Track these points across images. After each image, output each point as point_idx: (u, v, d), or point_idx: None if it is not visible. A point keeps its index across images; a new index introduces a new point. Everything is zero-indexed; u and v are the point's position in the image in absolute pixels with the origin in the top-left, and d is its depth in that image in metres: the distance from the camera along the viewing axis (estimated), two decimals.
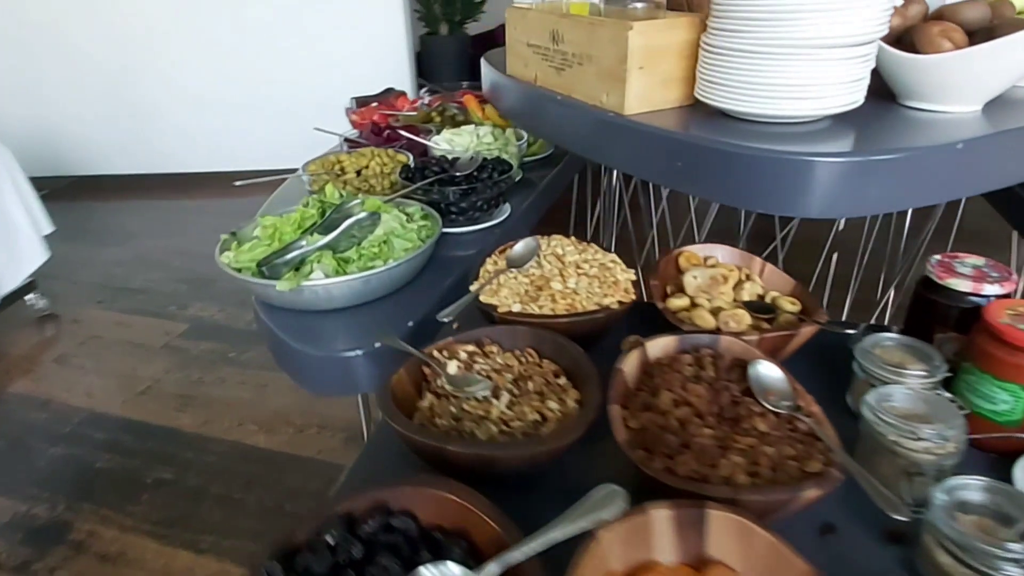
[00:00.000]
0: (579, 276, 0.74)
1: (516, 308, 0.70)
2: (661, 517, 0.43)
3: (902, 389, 0.57)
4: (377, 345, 0.79)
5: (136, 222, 3.61)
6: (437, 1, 3.83)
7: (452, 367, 0.64)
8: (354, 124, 1.71)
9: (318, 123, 4.14)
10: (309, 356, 0.85)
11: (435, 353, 0.66)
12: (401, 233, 0.94)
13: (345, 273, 0.87)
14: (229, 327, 2.53)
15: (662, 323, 0.71)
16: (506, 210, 1.15)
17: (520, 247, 0.80)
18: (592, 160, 0.85)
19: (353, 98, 1.77)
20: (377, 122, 1.51)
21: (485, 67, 1.26)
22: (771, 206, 0.70)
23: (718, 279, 0.74)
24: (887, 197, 0.67)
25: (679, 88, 0.82)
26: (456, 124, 1.56)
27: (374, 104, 1.74)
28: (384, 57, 3.75)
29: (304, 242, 0.89)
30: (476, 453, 0.53)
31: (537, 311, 0.70)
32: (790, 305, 0.72)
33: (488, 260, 0.82)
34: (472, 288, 0.75)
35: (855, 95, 0.70)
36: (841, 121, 0.74)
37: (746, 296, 0.74)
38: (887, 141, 0.71)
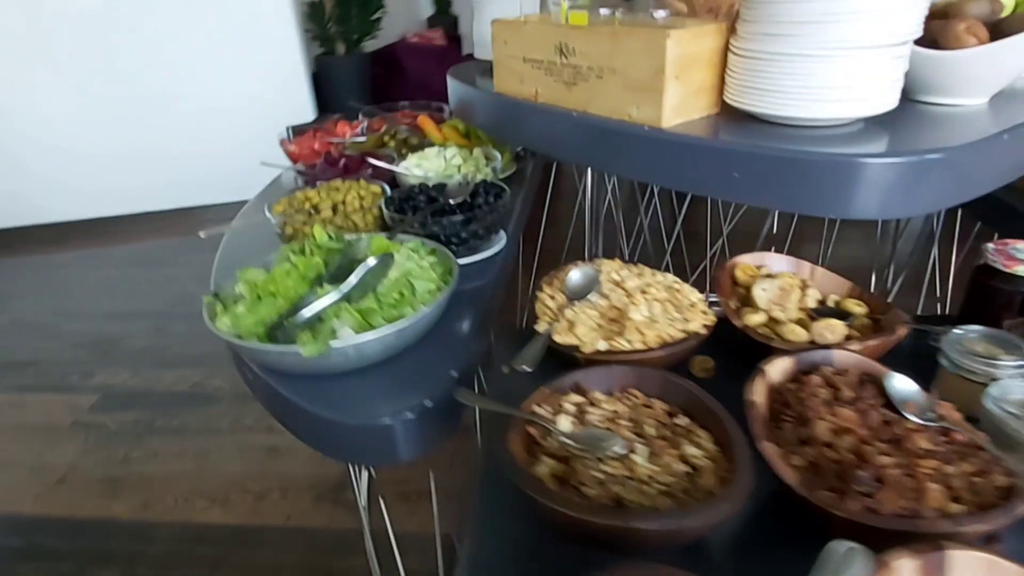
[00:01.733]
0: (650, 302, 0.70)
1: (602, 346, 0.64)
2: (907, 568, 0.39)
3: (1019, 382, 0.57)
4: (461, 397, 0.69)
5: (5, 283, 3.17)
6: (331, 20, 3.68)
7: (565, 423, 0.57)
8: (292, 156, 1.57)
9: (211, 157, 3.89)
10: (343, 426, 0.74)
11: (537, 409, 0.58)
12: (419, 273, 0.85)
13: (371, 326, 0.77)
14: (149, 392, 2.26)
15: (739, 342, 0.68)
16: (503, 236, 1.08)
17: (578, 277, 0.74)
18: (626, 177, 0.81)
19: (289, 127, 1.62)
20: (329, 152, 1.39)
21: (457, 85, 1.19)
22: (832, 210, 0.69)
23: (787, 289, 0.72)
24: (942, 193, 0.68)
25: (708, 96, 0.80)
26: (412, 147, 1.47)
27: (312, 132, 1.61)
28: (280, 80, 3.55)
29: (315, 297, 0.78)
30: (671, 528, 0.45)
31: (627, 346, 0.64)
32: (857, 307, 0.71)
33: (543, 294, 0.75)
34: (540, 328, 0.68)
35: (894, 95, 0.71)
36: (871, 122, 0.75)
37: (811, 303, 0.73)
38: (932, 138, 0.72)
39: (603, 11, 0.84)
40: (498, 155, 1.27)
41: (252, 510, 1.73)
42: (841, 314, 0.71)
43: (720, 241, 2.15)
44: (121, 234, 3.64)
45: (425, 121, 1.46)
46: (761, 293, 0.72)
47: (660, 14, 0.77)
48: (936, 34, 0.73)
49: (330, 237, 0.94)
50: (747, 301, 0.73)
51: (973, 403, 0.61)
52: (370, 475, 1.05)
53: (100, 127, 3.46)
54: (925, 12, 0.68)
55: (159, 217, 3.77)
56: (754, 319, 0.69)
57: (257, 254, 1.14)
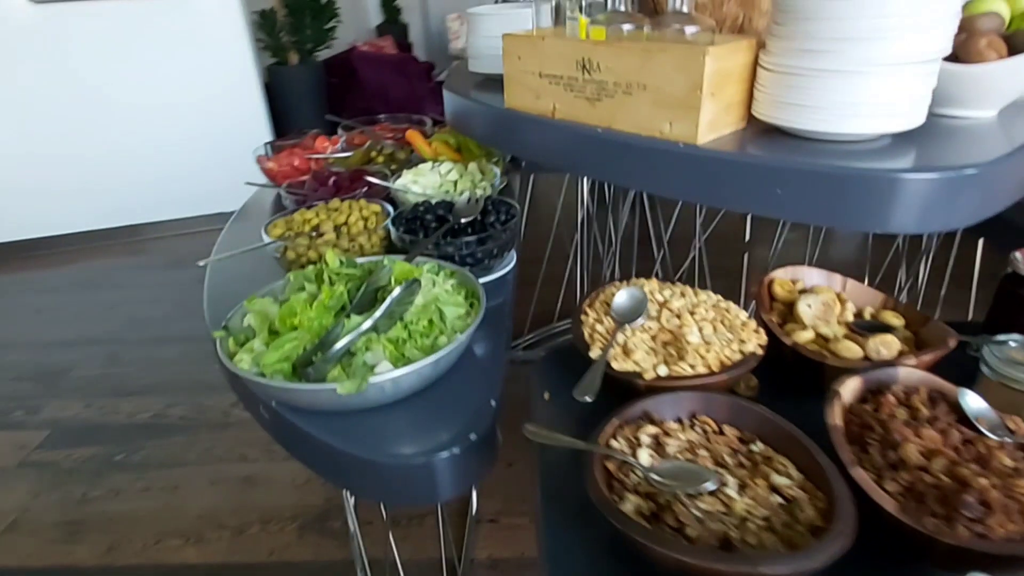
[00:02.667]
0: (700, 323, 0.68)
1: (663, 371, 0.62)
2: None
3: None
4: (530, 434, 0.64)
5: None
6: (283, 29, 3.56)
7: (645, 457, 0.54)
8: (270, 173, 1.50)
9: (157, 171, 3.71)
10: (383, 466, 0.69)
11: (614, 443, 0.56)
12: (447, 298, 0.81)
13: (405, 357, 0.73)
14: (105, 425, 2.11)
15: (783, 360, 0.67)
16: (513, 253, 1.05)
17: (625, 299, 0.72)
18: (654, 194, 0.80)
19: (268, 143, 1.55)
20: (319, 169, 1.33)
21: (455, 99, 1.15)
22: (872, 224, 0.69)
23: (830, 305, 0.72)
24: (976, 207, 0.70)
25: (737, 111, 0.79)
26: (399, 163, 1.43)
27: (290, 148, 1.54)
28: (231, 92, 3.42)
29: (343, 329, 0.73)
30: (803, 571, 0.43)
31: (689, 371, 0.62)
32: (896, 320, 0.72)
33: (588, 318, 0.73)
34: (594, 355, 0.66)
35: (924, 110, 0.72)
36: (896, 136, 0.76)
37: (849, 317, 0.73)
38: (962, 153, 0.74)
39: (626, 27, 0.83)
40: (497, 171, 1.24)
41: (231, 547, 1.63)
42: (882, 328, 0.72)
43: (697, 247, 2.18)
44: (61, 255, 3.41)
45: (414, 136, 1.41)
46: (806, 309, 0.71)
47: (691, 30, 0.76)
48: (956, 49, 0.75)
49: (341, 263, 0.89)
50: (787, 317, 0.73)
51: (1016, 411, 0.63)
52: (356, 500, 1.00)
53: (36, 139, 3.24)
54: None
55: (101, 236, 3.55)
56: (803, 336, 0.69)
57: (252, 281, 1.08)
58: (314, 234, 1.02)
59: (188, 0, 3.16)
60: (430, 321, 0.78)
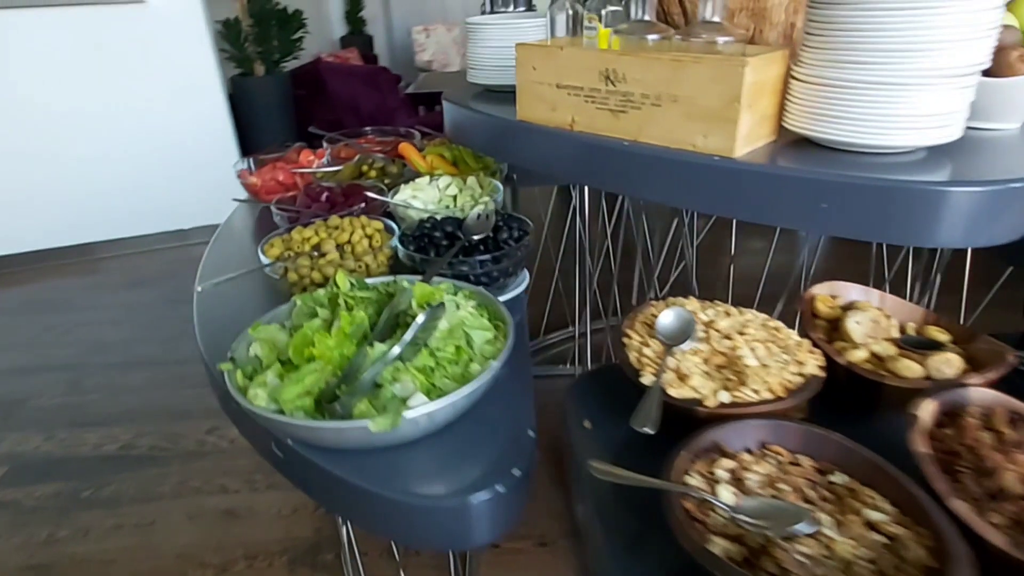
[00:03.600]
0: (752, 344, 0.65)
1: (725, 397, 0.59)
2: None
3: None
4: (600, 473, 0.59)
5: None
6: (248, 39, 3.46)
7: (727, 495, 0.50)
8: (253, 189, 1.42)
9: (117, 187, 3.56)
10: (413, 508, 0.64)
11: (689, 479, 0.52)
12: (473, 322, 0.76)
13: (436, 388, 0.68)
14: (69, 458, 1.97)
15: (840, 382, 0.65)
16: (525, 273, 1.01)
17: (671, 320, 0.69)
18: (686, 208, 0.77)
19: (250, 157, 1.47)
20: (310, 184, 1.26)
21: (458, 111, 1.11)
22: (919, 238, 0.68)
23: (878, 321, 0.70)
24: (1021, 220, 0.69)
25: (769, 123, 0.77)
26: (391, 177, 1.37)
27: (273, 162, 1.47)
28: (195, 104, 3.29)
29: (367, 359, 0.68)
30: None
31: (754, 397, 0.59)
32: (942, 335, 0.71)
33: (632, 341, 0.69)
34: (647, 381, 0.62)
35: (962, 123, 0.72)
36: (932, 149, 0.75)
37: (894, 334, 0.71)
38: (1000, 165, 0.73)
39: (651, 37, 0.80)
40: (500, 185, 1.20)
41: None
42: (931, 344, 0.70)
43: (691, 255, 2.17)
44: (8, 276, 3.22)
45: (408, 149, 1.36)
46: (855, 327, 0.69)
47: (723, 40, 0.74)
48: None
49: (352, 285, 0.84)
50: (831, 335, 0.71)
51: None
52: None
53: None
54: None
55: (52, 255, 3.37)
56: (857, 355, 0.66)
57: (246, 305, 1.01)
58: (315, 254, 0.96)
59: (147, 8, 3.04)
60: (457, 347, 0.73)
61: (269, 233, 1.27)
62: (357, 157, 1.42)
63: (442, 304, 0.75)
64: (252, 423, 0.75)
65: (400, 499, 0.63)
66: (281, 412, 0.65)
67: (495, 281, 0.94)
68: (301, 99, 3.78)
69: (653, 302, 0.77)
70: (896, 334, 0.72)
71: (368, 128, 1.69)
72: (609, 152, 0.83)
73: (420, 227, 1.02)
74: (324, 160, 1.49)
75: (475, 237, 0.96)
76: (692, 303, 0.75)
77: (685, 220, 1.72)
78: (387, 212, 1.20)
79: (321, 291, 0.82)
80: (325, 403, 0.65)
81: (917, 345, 0.69)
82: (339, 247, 0.98)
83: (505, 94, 1.15)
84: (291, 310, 0.83)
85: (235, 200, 1.33)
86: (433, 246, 0.95)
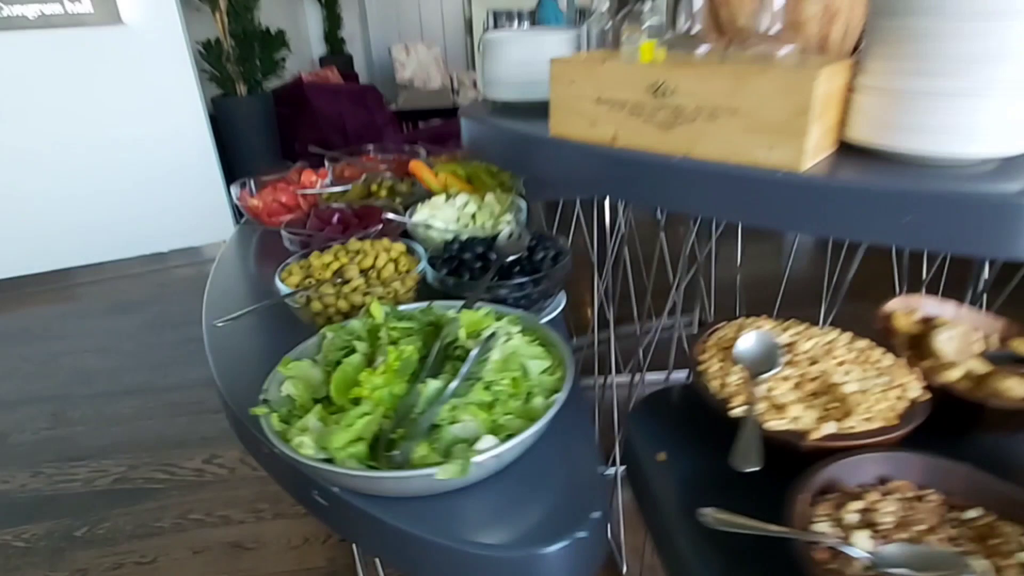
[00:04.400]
0: (845, 367, 0.61)
1: (831, 429, 0.54)
2: None
3: None
4: (715, 521, 0.53)
5: None
6: (230, 60, 3.39)
7: (865, 542, 0.45)
8: (254, 211, 1.36)
9: (96, 209, 3.44)
10: (486, 560, 0.58)
11: (819, 527, 0.47)
12: (527, 350, 0.71)
13: (500, 426, 0.62)
14: (60, 495, 1.87)
15: (935, 404, 0.60)
16: (563, 294, 0.96)
17: (753, 344, 0.64)
18: (752, 225, 0.73)
19: (249, 179, 1.41)
20: (316, 205, 1.20)
21: (480, 128, 1.07)
22: (1001, 251, 0.65)
23: (969, 337, 0.66)
24: None
25: (831, 136, 0.74)
26: (402, 195, 1.32)
27: (273, 183, 1.41)
28: (176, 125, 3.21)
29: (421, 398, 0.62)
30: None
31: (863, 426, 0.55)
32: None
33: (707, 368, 0.64)
34: (738, 412, 0.57)
35: None
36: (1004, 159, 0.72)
37: (979, 349, 0.68)
38: None
39: (701, 48, 0.77)
40: (523, 203, 1.15)
41: None
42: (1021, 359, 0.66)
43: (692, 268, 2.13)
44: None
45: (419, 167, 1.31)
46: (946, 344, 0.65)
47: (785, 50, 0.71)
48: None
49: (387, 315, 0.78)
50: (916, 353, 0.67)
51: None
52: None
53: None
54: None
55: (30, 282, 3.24)
56: (952, 375, 0.62)
57: (264, 337, 0.94)
58: (339, 281, 0.90)
59: (126, 30, 2.96)
60: (514, 379, 0.67)
61: (274, 258, 1.20)
62: (364, 176, 1.37)
63: (494, 333, 0.69)
64: (289, 470, 0.68)
65: (469, 551, 0.58)
66: (330, 460, 0.59)
67: (534, 304, 0.89)
68: (284, 118, 3.71)
69: (721, 323, 0.73)
70: (981, 349, 0.68)
71: (371, 146, 1.64)
72: (657, 168, 0.79)
73: (448, 249, 0.96)
74: (327, 180, 1.43)
75: (510, 258, 0.91)
76: (765, 322, 0.71)
77: (693, 229, 1.69)
78: (403, 233, 1.14)
79: (355, 322, 0.76)
80: (383, 451, 0.59)
81: (1010, 360, 0.66)
82: (363, 273, 0.92)
83: (525, 109, 1.11)
84: (320, 343, 0.77)
85: (246, 224, 1.26)
86: (467, 269, 0.90)
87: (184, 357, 2.53)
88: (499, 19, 1.59)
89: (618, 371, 2.03)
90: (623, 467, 0.74)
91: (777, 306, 1.63)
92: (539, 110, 1.09)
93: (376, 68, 6.95)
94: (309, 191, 1.37)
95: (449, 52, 6.62)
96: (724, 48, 0.77)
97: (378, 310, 0.77)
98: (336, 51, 6.19)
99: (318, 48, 6.39)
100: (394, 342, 0.69)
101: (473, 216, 1.18)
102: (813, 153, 0.70)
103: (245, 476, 1.91)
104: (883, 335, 0.72)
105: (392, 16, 7.03)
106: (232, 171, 3.50)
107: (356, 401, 0.64)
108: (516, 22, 1.53)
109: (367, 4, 6.85)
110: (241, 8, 3.31)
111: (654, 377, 2.08)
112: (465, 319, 0.72)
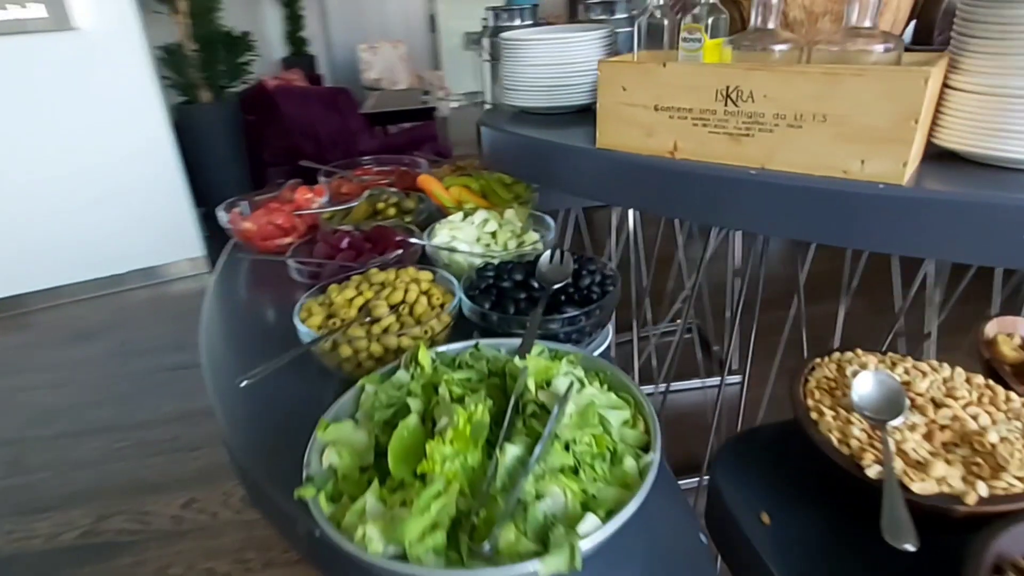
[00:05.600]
0: (974, 411, 0.54)
1: (983, 489, 0.47)
2: None
3: None
4: None
5: None
6: (192, 65, 3.20)
7: None
8: (247, 236, 1.23)
9: (46, 230, 3.22)
10: None
11: None
12: (603, 399, 0.62)
13: (593, 498, 0.53)
14: (19, 554, 1.70)
15: None
16: (610, 326, 0.87)
17: (872, 388, 0.56)
18: (841, 246, 0.66)
19: (236, 200, 1.28)
20: (316, 227, 1.09)
21: (506, 139, 0.97)
22: None
23: None
24: None
25: (922, 143, 0.67)
26: (411, 213, 1.21)
27: (266, 203, 1.28)
28: (136, 136, 3.02)
29: (502, 469, 0.53)
30: None
31: (1018, 486, 0.47)
32: None
33: (822, 418, 0.56)
34: (874, 472, 0.49)
35: None
36: None
37: None
38: None
39: (779, 48, 0.69)
40: (551, 220, 1.06)
41: None
42: None
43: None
44: None
45: (428, 181, 1.21)
46: None
47: (879, 49, 0.63)
48: None
49: (434, 362, 0.68)
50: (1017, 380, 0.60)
51: None
52: None
53: None
54: None
55: None
56: None
57: (282, 387, 0.83)
58: (368, 320, 0.79)
59: (80, 35, 2.76)
60: (595, 436, 0.58)
61: (274, 289, 1.09)
62: (366, 193, 1.26)
63: (572, 384, 0.60)
64: (340, 560, 0.58)
65: None
66: (404, 556, 0.49)
67: (586, 337, 0.80)
68: (251, 125, 3.54)
69: (821, 360, 0.65)
70: None
71: (366, 158, 1.52)
72: (727, 182, 0.71)
73: (482, 277, 0.87)
74: (324, 199, 1.31)
75: (555, 285, 0.81)
76: (867, 357, 0.63)
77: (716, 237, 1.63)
78: (421, 258, 1.04)
79: (401, 374, 0.66)
80: (464, 537, 0.49)
81: None
82: (393, 308, 0.81)
83: (549, 116, 1.02)
84: (357, 399, 0.67)
85: (262, 258, 1.14)
86: (510, 301, 0.80)
87: (153, 389, 2.36)
88: (500, 19, 1.50)
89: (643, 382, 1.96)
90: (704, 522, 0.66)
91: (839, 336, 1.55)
92: (567, 117, 1.00)
93: (340, 69, 6.76)
94: (305, 211, 1.25)
95: (413, 51, 6.48)
96: (801, 48, 0.69)
97: (426, 358, 0.67)
98: (299, 52, 5.99)
99: (279, 50, 6.18)
100: (457, 398, 0.59)
101: (493, 235, 1.08)
102: (912, 164, 0.63)
103: (229, 521, 1.77)
104: (987, 365, 0.65)
105: (354, 15, 6.86)
106: (197, 183, 3.31)
107: (420, 475, 0.54)
108: (518, 20, 1.45)
109: (327, 2, 6.66)
110: (203, 10, 3.13)
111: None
112: (535, 367, 0.62)
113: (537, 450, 0.54)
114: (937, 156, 0.67)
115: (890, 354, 0.64)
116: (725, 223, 0.74)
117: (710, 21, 0.73)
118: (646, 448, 0.59)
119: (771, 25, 0.69)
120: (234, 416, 0.77)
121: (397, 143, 3.37)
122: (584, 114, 0.99)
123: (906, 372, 0.60)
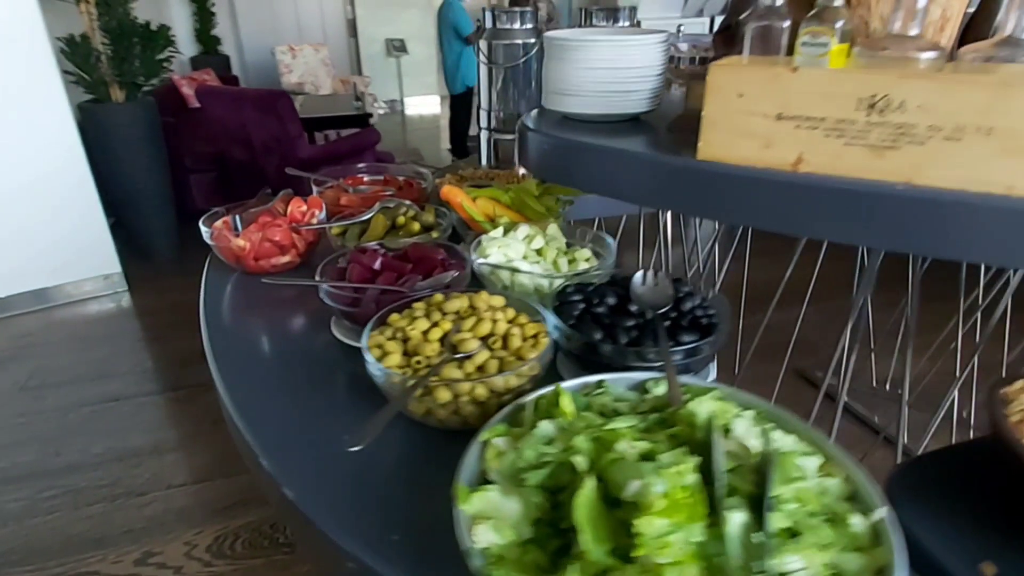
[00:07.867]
0: None
1: None
2: None
3: None
4: None
5: None
6: (101, 60, 2.86)
7: None
8: (237, 255, 1.06)
9: None
10: None
11: None
12: (792, 444, 0.54)
13: (839, 570, 0.45)
14: None
15: None
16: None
17: None
18: (1010, 267, 0.62)
19: (235, 216, 1.10)
20: (339, 247, 0.94)
21: (551, 144, 0.88)
22: None
23: None
24: None
25: None
26: (433, 227, 1.09)
27: (260, 218, 1.11)
28: (36, 138, 2.66)
29: (737, 545, 0.44)
30: None
31: None
32: None
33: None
34: None
35: None
36: None
37: None
38: None
39: (925, 55, 0.65)
40: (611, 241, 0.97)
41: None
42: None
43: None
44: None
45: (456, 192, 1.09)
46: None
47: None
48: None
49: (576, 413, 0.58)
50: None
51: None
52: None
53: None
54: None
55: None
56: None
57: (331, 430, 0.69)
58: (459, 356, 0.67)
59: None
60: (800, 492, 0.50)
61: (285, 316, 0.95)
62: (378, 205, 1.12)
63: (767, 434, 0.52)
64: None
65: None
66: None
67: (703, 367, 0.73)
68: (168, 128, 3.21)
69: (1008, 383, 0.61)
70: None
71: (362, 165, 1.37)
72: (865, 198, 0.66)
73: (569, 302, 0.77)
74: (322, 214, 1.16)
75: (660, 311, 0.73)
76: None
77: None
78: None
79: (547, 425, 0.55)
80: None
81: None
82: (483, 341, 0.70)
83: (601, 124, 0.94)
84: (482, 457, 0.56)
85: (290, 283, 0.97)
86: (622, 330, 0.71)
87: (78, 426, 2.05)
88: (500, 19, 1.40)
89: None
90: None
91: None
92: (619, 126, 0.93)
93: (255, 70, 6.38)
94: (307, 226, 1.09)
95: (332, 56, 6.22)
96: (947, 55, 0.65)
97: (569, 403, 0.57)
98: (210, 51, 5.58)
99: (189, 48, 5.73)
100: (648, 455, 0.49)
101: (539, 251, 0.99)
102: None
103: (194, 574, 1.55)
104: None
105: (266, 15, 6.51)
106: (107, 191, 2.95)
107: (624, 556, 0.44)
108: (519, 22, 1.36)
109: (236, 1, 6.27)
110: (113, 0, 2.79)
111: None
112: (710, 408, 0.54)
113: (767, 514, 0.45)
114: None
115: None
116: (865, 241, 0.69)
117: (839, 23, 0.68)
118: (847, 498, 0.52)
119: (913, 32, 0.65)
120: (287, 467, 0.63)
121: (339, 150, 3.16)
122: (634, 123, 0.93)
123: None
